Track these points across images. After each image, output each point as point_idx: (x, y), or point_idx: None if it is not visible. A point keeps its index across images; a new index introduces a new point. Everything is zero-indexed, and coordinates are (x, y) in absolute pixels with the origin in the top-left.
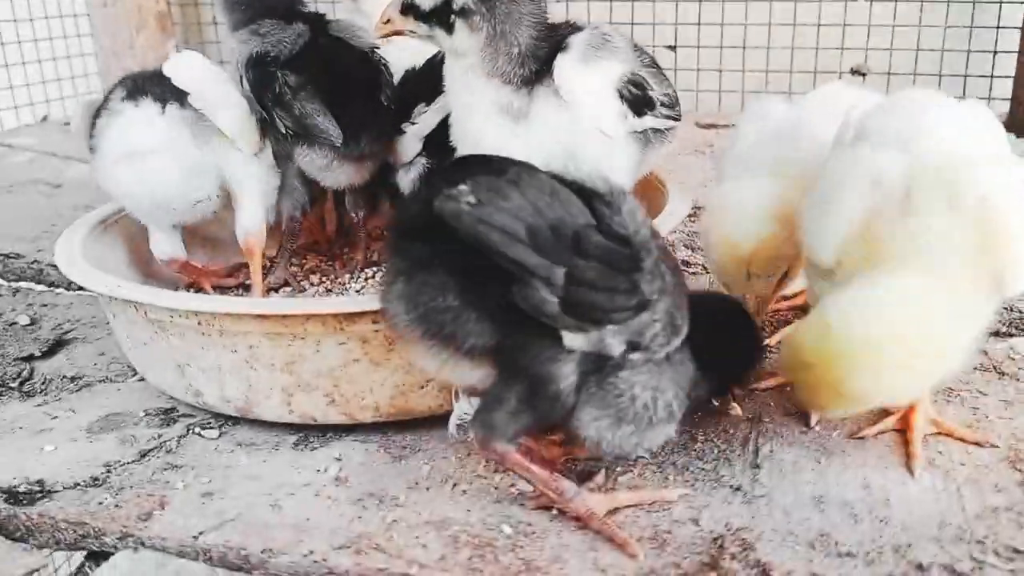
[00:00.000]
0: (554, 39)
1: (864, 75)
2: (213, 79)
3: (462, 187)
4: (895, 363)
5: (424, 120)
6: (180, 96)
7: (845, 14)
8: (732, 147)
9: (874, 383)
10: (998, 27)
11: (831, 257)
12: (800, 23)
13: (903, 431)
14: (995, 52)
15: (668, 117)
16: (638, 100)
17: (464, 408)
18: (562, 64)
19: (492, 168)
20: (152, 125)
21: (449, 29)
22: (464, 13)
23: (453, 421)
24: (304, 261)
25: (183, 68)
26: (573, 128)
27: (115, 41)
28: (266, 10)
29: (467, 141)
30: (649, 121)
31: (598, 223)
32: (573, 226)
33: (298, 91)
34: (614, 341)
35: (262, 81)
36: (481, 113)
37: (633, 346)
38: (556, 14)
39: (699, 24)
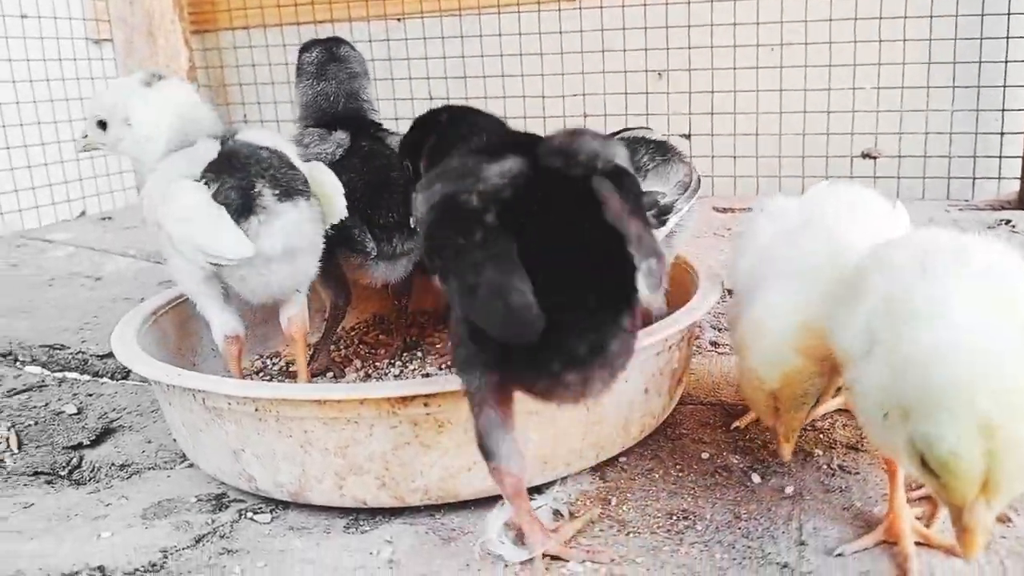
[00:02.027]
0: None
1: (875, 158)
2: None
3: None
4: None
5: None
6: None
7: (854, 101)
8: (745, 248)
9: None
10: (1003, 110)
11: (860, 344)
12: (810, 110)
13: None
14: (1002, 133)
15: (691, 196)
16: (656, 215)
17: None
18: None
19: None
20: (305, 224)
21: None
22: None
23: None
24: (342, 349)
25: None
26: None
27: None
28: (314, 119)
29: None
30: (672, 221)
31: None
32: None
33: None
34: None
35: None
36: None
37: None
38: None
39: (712, 113)
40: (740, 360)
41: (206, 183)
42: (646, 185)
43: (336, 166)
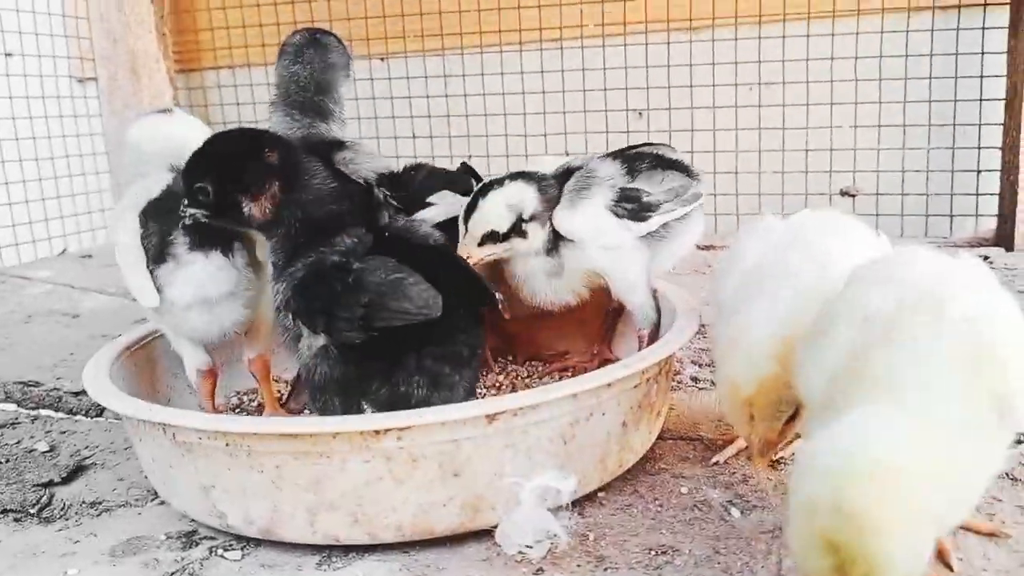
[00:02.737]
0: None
1: (854, 196)
2: None
3: None
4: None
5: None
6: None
7: (831, 139)
8: (730, 266)
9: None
10: (979, 147)
11: (820, 393)
12: (789, 149)
13: None
14: (978, 171)
15: (685, 203)
16: (636, 210)
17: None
18: (557, 218)
19: None
20: (221, 273)
21: (524, 235)
22: (534, 217)
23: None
24: None
25: None
26: (588, 256)
27: None
28: (283, 102)
29: (535, 295)
30: (656, 220)
31: None
32: None
33: None
34: None
35: None
36: (539, 280)
37: None
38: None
39: (692, 152)
40: (718, 370)
41: (141, 223)
42: (633, 184)
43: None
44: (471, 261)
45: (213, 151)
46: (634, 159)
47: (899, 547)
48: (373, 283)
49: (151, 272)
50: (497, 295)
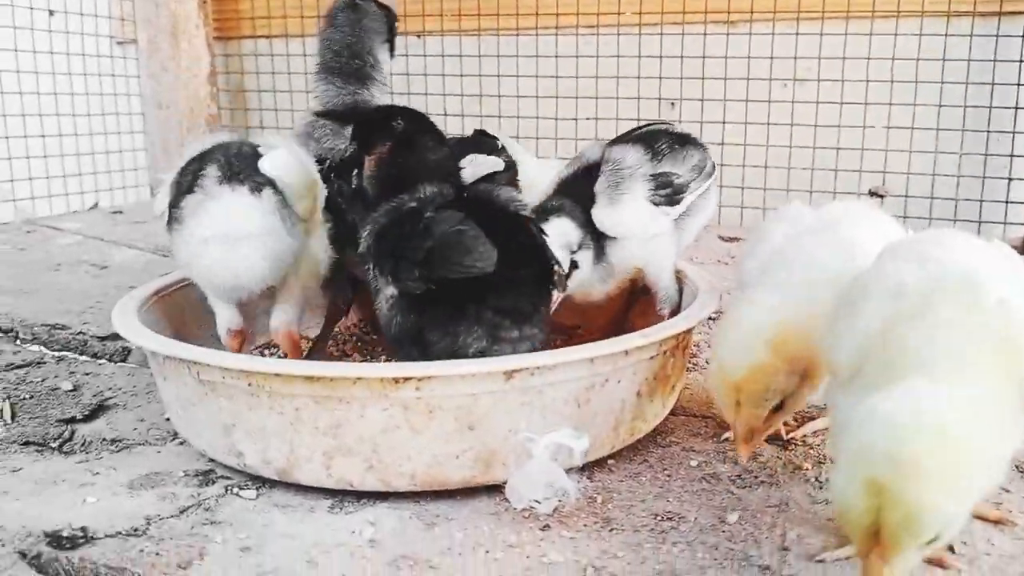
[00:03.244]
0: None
1: (882, 197)
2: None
3: None
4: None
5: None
6: (271, 181)
7: (863, 139)
8: (754, 249)
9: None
10: (1012, 155)
11: (850, 361)
12: (819, 146)
13: None
14: (1010, 179)
15: (705, 178)
16: (670, 194)
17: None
18: (599, 217)
19: None
20: (250, 211)
21: (577, 266)
22: (581, 246)
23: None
24: (341, 345)
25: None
26: (631, 250)
27: (166, 140)
28: (320, 68)
29: (588, 296)
30: (688, 200)
31: None
32: None
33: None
34: None
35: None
36: (593, 287)
37: None
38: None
39: (722, 144)
40: (712, 349)
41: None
42: (662, 167)
43: (347, 163)
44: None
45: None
46: (652, 140)
47: (940, 499)
48: (437, 231)
49: (178, 203)
50: (558, 268)
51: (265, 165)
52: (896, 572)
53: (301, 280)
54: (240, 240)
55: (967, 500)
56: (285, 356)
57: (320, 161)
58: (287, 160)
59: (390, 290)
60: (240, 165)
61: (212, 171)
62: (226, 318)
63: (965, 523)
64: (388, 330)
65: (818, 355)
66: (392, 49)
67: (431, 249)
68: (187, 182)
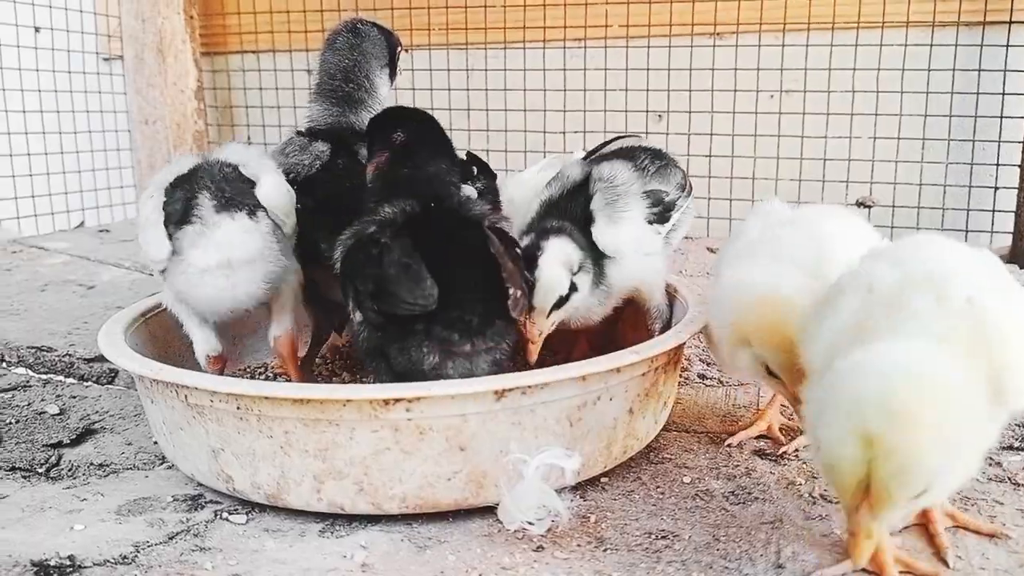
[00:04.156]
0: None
1: (870, 207)
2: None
3: None
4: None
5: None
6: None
7: (850, 150)
8: (732, 240)
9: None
10: (998, 164)
11: (822, 359)
12: (807, 157)
13: (923, 524)
14: (996, 188)
15: (688, 196)
16: (662, 211)
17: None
18: (600, 237)
19: None
20: (250, 237)
21: (576, 288)
22: (581, 268)
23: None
24: (329, 364)
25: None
26: (629, 269)
27: (153, 156)
28: (317, 91)
29: (587, 320)
30: (675, 217)
31: None
32: None
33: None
34: None
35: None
36: (596, 312)
37: None
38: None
39: (710, 156)
40: (714, 305)
41: (166, 193)
42: (651, 185)
43: (310, 180)
44: (541, 336)
45: (375, 118)
46: (633, 156)
47: (933, 449)
48: (385, 263)
49: (171, 235)
50: (514, 292)
51: (260, 193)
52: (884, 526)
53: (293, 290)
54: (242, 265)
55: (956, 454)
56: (282, 374)
57: (286, 174)
58: (278, 184)
59: (357, 313)
60: (231, 190)
61: (205, 199)
62: (205, 344)
63: (952, 489)
64: (359, 345)
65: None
66: (393, 74)
67: (377, 284)
68: (177, 212)
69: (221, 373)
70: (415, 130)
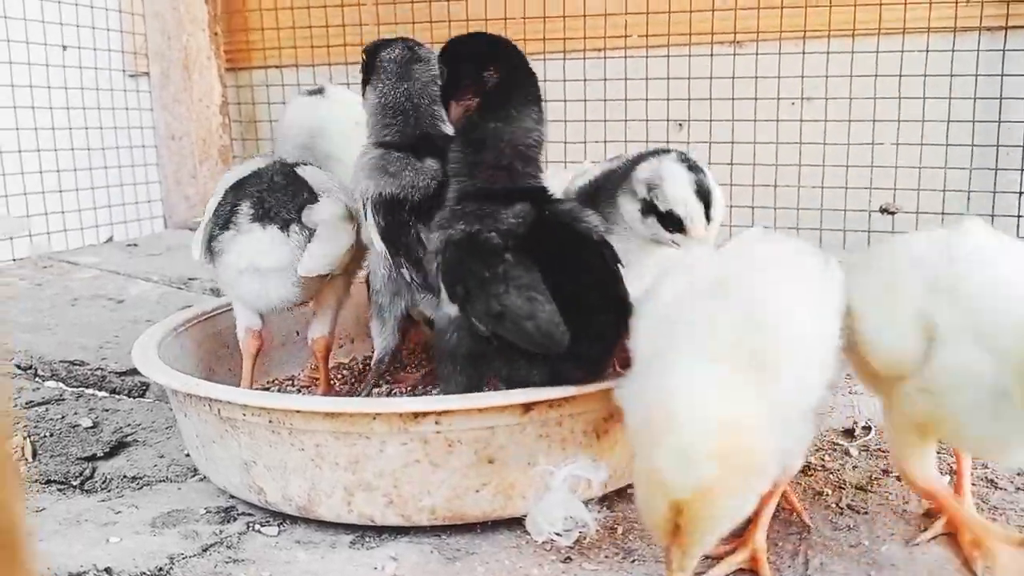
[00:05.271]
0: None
1: (894, 213)
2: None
3: None
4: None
5: None
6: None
7: (873, 156)
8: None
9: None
10: (1022, 170)
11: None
12: (829, 164)
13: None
14: (1020, 193)
15: None
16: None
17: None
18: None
19: None
20: (279, 248)
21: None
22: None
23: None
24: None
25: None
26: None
27: (179, 171)
28: (393, 125)
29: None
30: None
31: None
32: None
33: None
34: None
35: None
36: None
37: None
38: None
39: (731, 164)
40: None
41: (224, 195)
42: None
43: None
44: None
45: (459, 43)
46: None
47: (737, 502)
48: (511, 291)
49: (215, 236)
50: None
51: (306, 216)
52: (695, 556)
53: (337, 295)
54: (272, 272)
55: (753, 496)
56: (314, 383)
57: (398, 201)
58: (331, 210)
59: (453, 310)
60: (272, 201)
61: (246, 208)
62: (247, 319)
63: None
64: (441, 344)
65: None
66: None
67: (503, 310)
68: (224, 217)
69: (258, 350)
70: (511, 71)
